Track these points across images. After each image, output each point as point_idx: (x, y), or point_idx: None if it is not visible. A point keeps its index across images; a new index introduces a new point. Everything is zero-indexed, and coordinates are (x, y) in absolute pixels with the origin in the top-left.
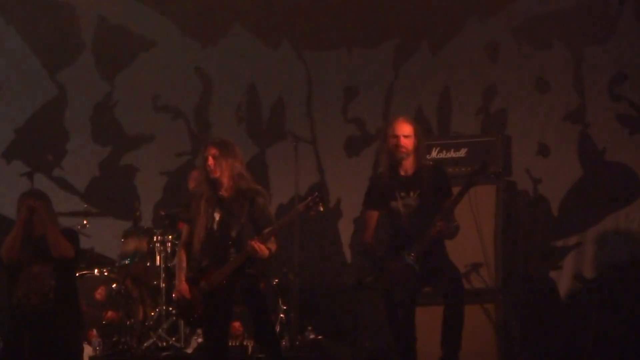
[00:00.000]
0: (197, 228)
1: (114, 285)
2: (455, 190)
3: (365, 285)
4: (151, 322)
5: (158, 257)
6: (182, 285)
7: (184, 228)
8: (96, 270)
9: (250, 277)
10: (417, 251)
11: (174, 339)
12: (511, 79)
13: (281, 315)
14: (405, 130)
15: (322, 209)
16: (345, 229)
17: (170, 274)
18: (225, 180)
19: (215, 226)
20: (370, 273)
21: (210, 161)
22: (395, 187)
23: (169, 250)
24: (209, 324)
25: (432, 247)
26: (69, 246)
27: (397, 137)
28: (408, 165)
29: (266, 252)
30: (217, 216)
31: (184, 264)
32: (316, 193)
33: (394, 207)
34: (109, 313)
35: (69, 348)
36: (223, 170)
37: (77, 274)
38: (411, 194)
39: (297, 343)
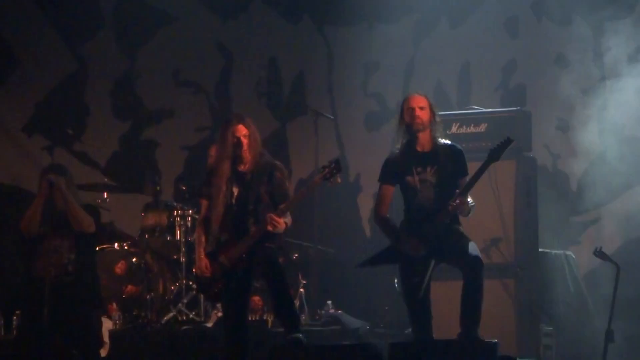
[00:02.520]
0: (216, 203)
1: (134, 260)
2: (476, 165)
3: (372, 263)
4: (171, 296)
5: (178, 232)
6: (201, 261)
7: (203, 203)
8: (116, 244)
9: (269, 250)
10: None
11: (194, 313)
12: (531, 54)
13: (301, 289)
14: (420, 103)
15: (339, 180)
16: (365, 204)
17: (191, 248)
18: (249, 157)
19: (233, 201)
20: (379, 257)
21: (244, 141)
22: (411, 162)
23: (189, 224)
24: (228, 298)
25: (448, 222)
26: (90, 221)
27: (412, 109)
28: (424, 141)
29: (282, 225)
30: (235, 191)
31: (203, 239)
32: (333, 165)
33: (409, 182)
34: (129, 287)
35: (87, 321)
36: (252, 149)
37: (97, 249)
38: (428, 169)
39: (317, 317)
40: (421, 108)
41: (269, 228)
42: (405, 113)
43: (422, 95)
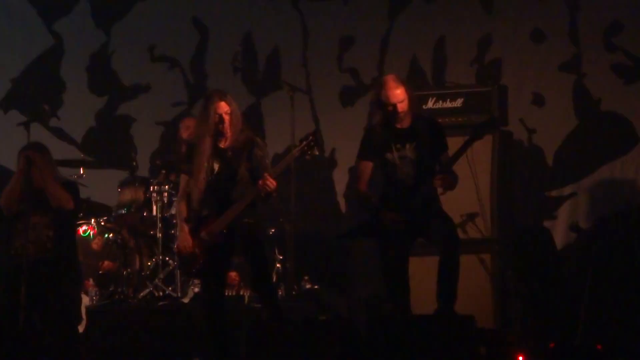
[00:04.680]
0: (197, 180)
1: (110, 235)
2: (452, 140)
3: (351, 237)
4: (147, 272)
5: (154, 207)
6: (184, 237)
7: (183, 179)
8: (93, 221)
9: (249, 226)
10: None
11: (170, 288)
12: (506, 29)
13: (277, 265)
14: (399, 97)
15: (317, 152)
16: (340, 179)
17: (167, 224)
18: (230, 134)
19: (214, 177)
20: (357, 230)
21: (226, 118)
22: (390, 138)
23: (165, 200)
24: (207, 273)
25: (427, 198)
26: (68, 197)
27: (393, 105)
28: (403, 118)
29: (275, 186)
30: (216, 167)
31: (185, 215)
32: (311, 137)
33: (389, 158)
34: (106, 263)
35: (67, 298)
36: (233, 126)
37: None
38: (407, 146)
39: (293, 293)
40: (401, 102)
41: (262, 187)
42: (385, 105)
43: (399, 84)
